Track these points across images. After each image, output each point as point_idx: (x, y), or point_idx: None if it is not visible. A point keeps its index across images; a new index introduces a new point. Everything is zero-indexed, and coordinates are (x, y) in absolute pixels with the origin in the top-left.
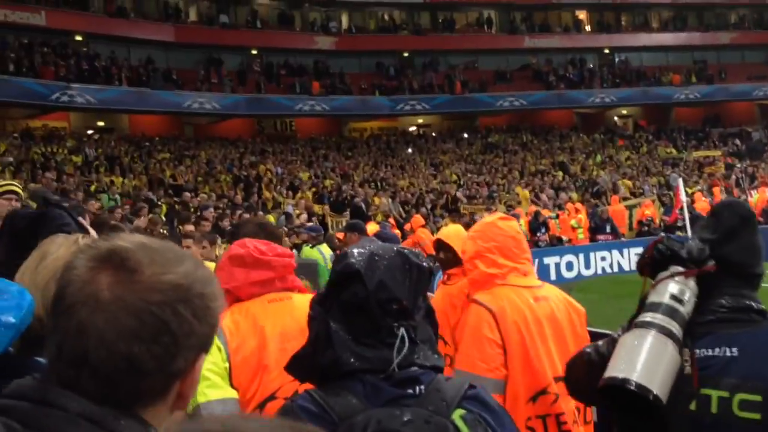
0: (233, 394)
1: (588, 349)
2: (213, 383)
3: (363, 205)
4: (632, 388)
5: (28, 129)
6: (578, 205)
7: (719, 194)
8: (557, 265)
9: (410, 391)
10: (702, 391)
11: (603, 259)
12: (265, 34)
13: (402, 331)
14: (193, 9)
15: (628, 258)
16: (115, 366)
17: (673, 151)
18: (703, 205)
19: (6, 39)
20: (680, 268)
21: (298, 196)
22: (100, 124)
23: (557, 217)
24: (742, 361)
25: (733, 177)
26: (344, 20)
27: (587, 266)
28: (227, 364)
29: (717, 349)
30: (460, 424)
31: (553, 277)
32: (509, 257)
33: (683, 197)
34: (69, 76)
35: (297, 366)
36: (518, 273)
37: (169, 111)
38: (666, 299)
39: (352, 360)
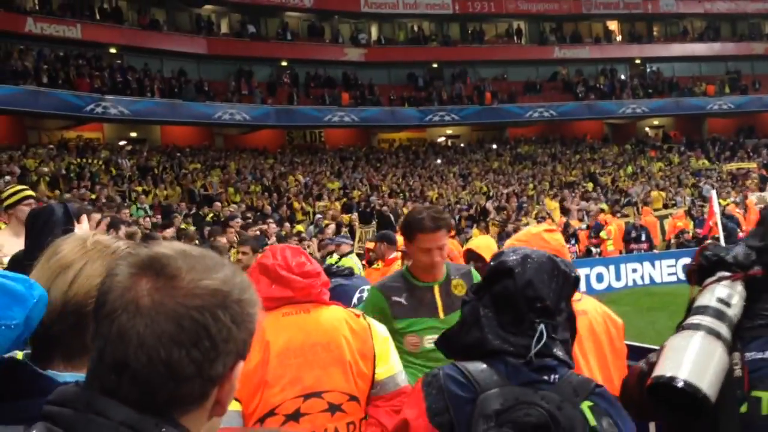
0: (235, 406)
1: (640, 363)
2: None
3: (391, 215)
4: (680, 385)
5: (63, 140)
6: (608, 217)
7: (753, 206)
8: (587, 277)
9: (546, 377)
10: (753, 393)
11: (634, 270)
12: (295, 46)
13: (542, 326)
14: (225, 21)
15: (660, 270)
16: (155, 371)
17: (706, 162)
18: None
19: (42, 52)
20: (727, 273)
21: (326, 206)
22: (133, 135)
23: (588, 228)
24: None
25: None
26: (374, 32)
27: (618, 278)
28: None
29: (767, 352)
30: (587, 413)
31: (583, 289)
32: None
33: (716, 209)
34: (103, 88)
35: (445, 342)
36: None
37: (200, 122)
38: (713, 302)
39: (497, 342)
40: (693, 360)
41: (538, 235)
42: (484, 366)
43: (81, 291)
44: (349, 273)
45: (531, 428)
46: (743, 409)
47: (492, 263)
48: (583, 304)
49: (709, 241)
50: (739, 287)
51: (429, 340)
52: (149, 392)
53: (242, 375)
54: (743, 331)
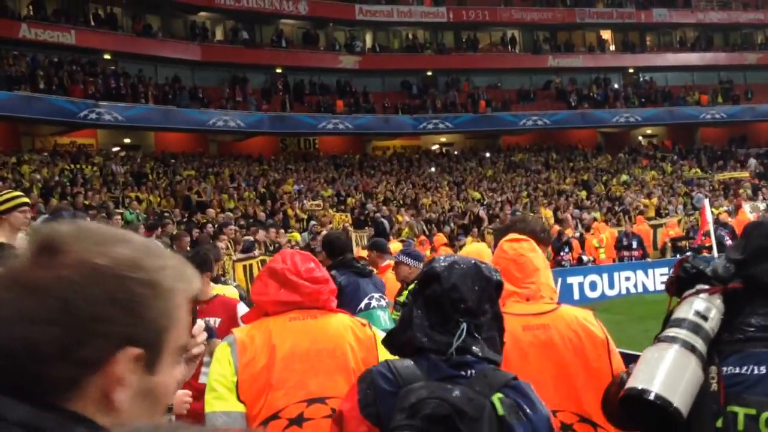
0: (239, 407)
1: (622, 374)
2: (219, 395)
3: (386, 222)
4: (651, 398)
5: (56, 146)
6: (601, 225)
7: (746, 215)
8: (581, 285)
9: (462, 373)
10: (729, 408)
11: (627, 279)
12: (289, 53)
13: (464, 325)
14: (219, 28)
15: (653, 278)
16: (15, 348)
17: (699, 171)
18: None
19: (36, 57)
20: (706, 286)
21: (321, 213)
22: (127, 141)
23: (581, 236)
24: None
25: (760, 198)
26: (368, 39)
27: (611, 286)
28: (236, 378)
29: (745, 368)
30: (497, 405)
31: (576, 297)
32: (509, 281)
33: (709, 218)
34: (97, 94)
35: (388, 340)
36: (519, 297)
37: (195, 129)
38: (690, 315)
39: (424, 340)
40: (666, 373)
41: (499, 246)
42: (410, 363)
43: None
44: (368, 273)
45: (438, 419)
46: (718, 423)
47: (423, 269)
48: (548, 318)
49: (688, 254)
50: (718, 301)
51: None
52: (15, 374)
53: (248, 377)
54: (722, 345)
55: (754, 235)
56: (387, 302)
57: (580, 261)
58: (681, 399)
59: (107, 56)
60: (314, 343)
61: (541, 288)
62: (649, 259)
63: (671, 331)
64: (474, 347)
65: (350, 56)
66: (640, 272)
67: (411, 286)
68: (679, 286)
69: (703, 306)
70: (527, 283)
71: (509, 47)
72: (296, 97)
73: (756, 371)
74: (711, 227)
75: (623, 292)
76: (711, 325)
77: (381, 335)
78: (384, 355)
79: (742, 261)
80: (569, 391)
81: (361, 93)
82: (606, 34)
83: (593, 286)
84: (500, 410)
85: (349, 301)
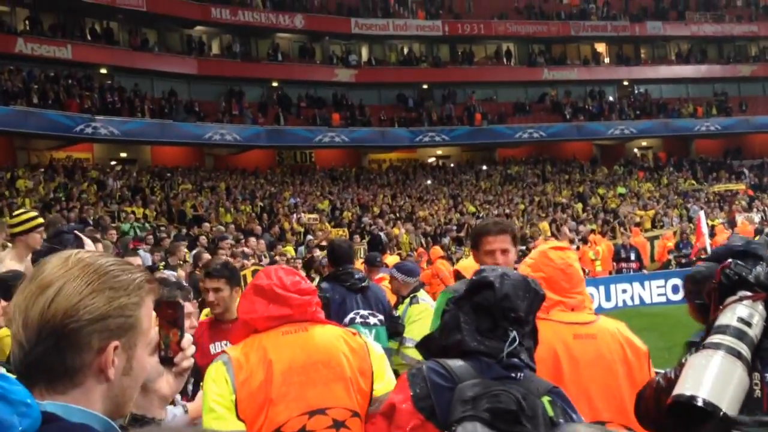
0: (239, 426)
1: (657, 377)
2: (218, 415)
3: (383, 236)
4: (700, 404)
5: (52, 160)
6: (598, 237)
7: (747, 226)
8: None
9: (513, 374)
10: None
11: (624, 291)
12: (285, 67)
13: (513, 333)
14: (216, 42)
15: (650, 290)
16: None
17: (694, 183)
18: (725, 238)
19: (33, 72)
20: (748, 293)
21: (318, 227)
22: (123, 155)
23: (577, 248)
24: None
25: (755, 210)
26: (364, 53)
27: (608, 298)
28: (234, 396)
29: None
30: (547, 405)
31: (595, 306)
32: (556, 290)
33: (705, 230)
34: (93, 108)
35: (425, 344)
36: (564, 307)
37: (191, 142)
38: (734, 322)
39: (474, 344)
40: (713, 379)
41: (543, 253)
42: (462, 362)
43: (59, 310)
44: (360, 288)
45: (502, 412)
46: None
47: (474, 278)
48: (593, 327)
49: (729, 260)
50: (760, 307)
51: None
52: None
53: (246, 394)
54: (763, 352)
55: None
56: (379, 319)
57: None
58: (729, 404)
59: (103, 70)
60: (310, 355)
61: (585, 299)
62: (645, 271)
63: (716, 338)
64: (521, 354)
65: (346, 69)
66: (636, 284)
67: (406, 300)
68: (722, 292)
69: (746, 312)
70: (574, 293)
71: (504, 60)
72: (292, 110)
73: None
74: (707, 239)
75: (620, 304)
76: (755, 331)
77: (372, 342)
78: (377, 362)
79: None
80: (618, 403)
81: (357, 106)
82: (600, 47)
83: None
84: (550, 411)
85: (333, 316)
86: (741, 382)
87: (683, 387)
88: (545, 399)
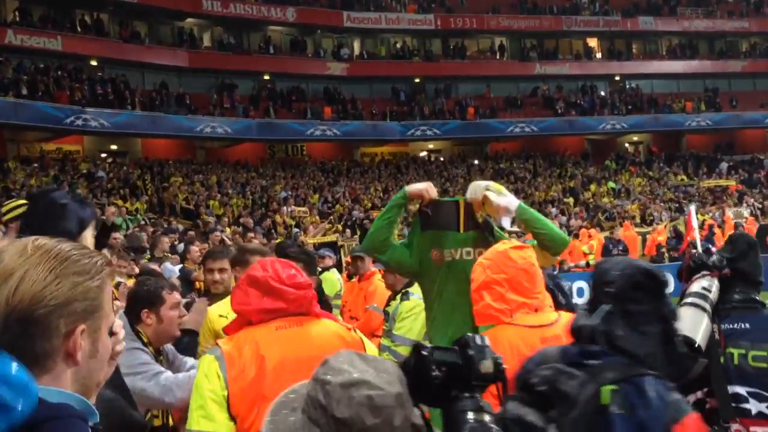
0: (227, 429)
1: None
2: (207, 413)
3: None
4: (680, 338)
5: (42, 152)
6: (591, 231)
7: (730, 221)
8: (568, 291)
9: (585, 362)
10: (727, 350)
11: None
12: (277, 60)
13: (605, 307)
14: (207, 35)
15: None
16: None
17: (684, 178)
18: (715, 232)
19: (23, 63)
20: (707, 272)
21: (308, 220)
22: (114, 147)
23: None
24: (753, 331)
25: (745, 205)
26: (356, 47)
27: None
28: (226, 392)
29: (735, 324)
30: (604, 394)
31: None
32: (519, 292)
33: (695, 225)
34: (83, 101)
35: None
36: (528, 309)
37: (182, 135)
38: (700, 289)
39: (576, 326)
40: (689, 323)
41: (504, 254)
42: (557, 348)
43: (26, 297)
44: None
45: (536, 394)
46: (722, 360)
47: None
48: (558, 328)
49: (694, 251)
50: (716, 282)
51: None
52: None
53: (238, 390)
54: (718, 311)
55: (739, 242)
56: None
57: (561, 267)
58: (701, 340)
59: (94, 62)
60: (303, 350)
61: (545, 298)
62: None
63: (688, 299)
64: (617, 332)
65: (338, 63)
66: None
67: (398, 296)
68: (689, 272)
69: (707, 283)
70: (536, 293)
71: (497, 54)
72: (284, 103)
73: (743, 326)
74: (697, 234)
75: None
76: (713, 296)
77: (366, 338)
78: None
79: (731, 258)
80: None
81: (348, 100)
82: (592, 42)
83: (580, 292)
84: (604, 400)
85: None
86: (707, 328)
87: None
88: (608, 388)
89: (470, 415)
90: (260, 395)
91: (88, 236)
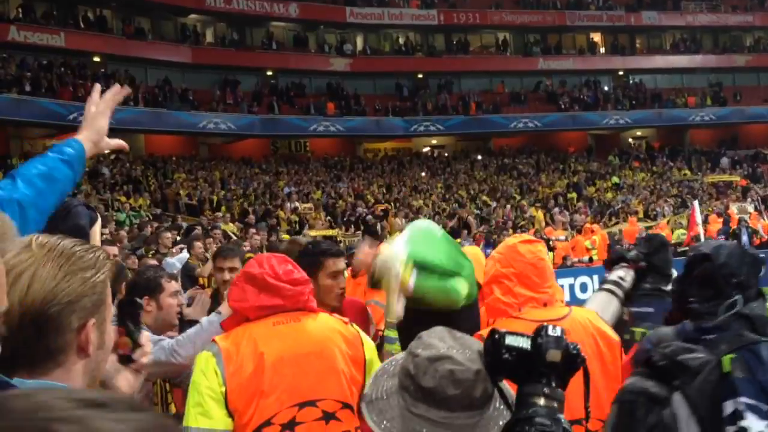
0: (224, 425)
1: None
2: (205, 411)
3: (378, 225)
4: None
5: (45, 148)
6: (595, 227)
7: (734, 216)
8: (571, 287)
9: (704, 337)
10: (632, 328)
11: None
12: (280, 56)
13: (738, 297)
14: (210, 31)
15: None
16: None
17: (688, 173)
18: (718, 227)
19: (26, 60)
20: (626, 264)
21: (312, 216)
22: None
23: (566, 239)
24: (655, 314)
25: (748, 200)
26: (359, 42)
27: None
28: (224, 388)
29: (642, 308)
30: (725, 363)
31: (567, 298)
32: (527, 286)
33: (699, 219)
34: (86, 97)
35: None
36: (536, 303)
37: (185, 131)
38: (616, 278)
39: (691, 312)
40: (600, 305)
41: (513, 248)
42: (669, 329)
43: (38, 296)
44: None
45: (658, 368)
46: (626, 336)
47: (690, 254)
48: (567, 322)
49: (617, 246)
50: (632, 272)
51: None
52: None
53: (236, 386)
54: (632, 297)
55: (653, 241)
56: None
57: (564, 262)
58: (609, 320)
59: (97, 59)
60: (301, 346)
61: (555, 292)
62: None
63: (605, 285)
64: (723, 318)
65: (341, 59)
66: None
67: None
68: (611, 263)
69: (623, 273)
70: (545, 287)
71: (500, 50)
72: (287, 99)
73: (647, 309)
74: (701, 229)
75: None
76: (627, 284)
77: (363, 332)
78: (370, 352)
79: (647, 252)
80: (594, 399)
81: (352, 95)
82: (596, 37)
83: (584, 287)
84: (726, 368)
85: None
86: (615, 310)
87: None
88: (728, 357)
89: (540, 401)
90: (259, 390)
91: (97, 232)
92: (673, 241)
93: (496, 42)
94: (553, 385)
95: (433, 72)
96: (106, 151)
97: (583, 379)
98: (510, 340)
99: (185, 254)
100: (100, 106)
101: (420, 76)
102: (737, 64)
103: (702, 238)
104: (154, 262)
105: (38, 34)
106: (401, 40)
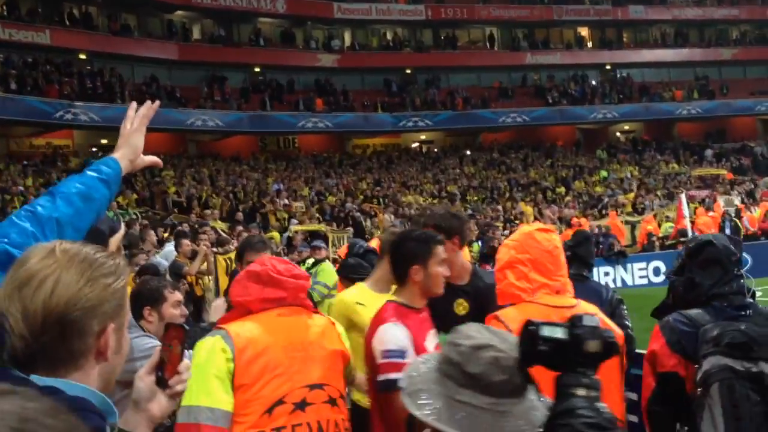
0: (225, 406)
1: None
2: (208, 389)
3: (364, 221)
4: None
5: (32, 147)
6: (583, 221)
7: (719, 209)
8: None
9: (743, 313)
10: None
11: (606, 274)
12: (268, 52)
13: (741, 272)
14: (197, 27)
15: (632, 273)
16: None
17: (676, 166)
18: (705, 219)
19: (10, 58)
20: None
21: (301, 212)
22: (104, 141)
23: (560, 232)
24: (577, 296)
25: (735, 192)
26: (347, 38)
27: None
28: (232, 365)
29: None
30: None
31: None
32: (542, 272)
33: (686, 212)
34: (72, 95)
35: (660, 312)
36: (549, 290)
37: (173, 128)
38: None
39: (711, 293)
40: None
41: (530, 235)
42: (699, 311)
43: (62, 301)
44: None
45: (738, 345)
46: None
47: (691, 244)
48: (577, 311)
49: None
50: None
51: None
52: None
53: (245, 362)
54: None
55: (579, 236)
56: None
57: None
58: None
59: (83, 56)
60: (306, 335)
61: (567, 282)
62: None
63: None
64: (745, 290)
65: (329, 55)
66: (619, 267)
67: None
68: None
69: None
70: (558, 276)
71: (488, 44)
72: (275, 96)
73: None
74: (688, 222)
75: None
76: None
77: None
78: (350, 352)
79: (572, 245)
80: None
81: (340, 91)
82: (583, 31)
83: None
84: None
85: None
86: None
87: None
88: None
89: (580, 392)
90: (269, 367)
91: (116, 240)
92: (660, 234)
93: (483, 37)
94: (591, 374)
95: (421, 67)
96: (93, 149)
97: (617, 366)
98: (546, 331)
99: (171, 248)
100: (136, 123)
101: (408, 71)
102: (724, 57)
103: (689, 232)
104: (143, 257)
105: (23, 32)
106: (389, 36)
